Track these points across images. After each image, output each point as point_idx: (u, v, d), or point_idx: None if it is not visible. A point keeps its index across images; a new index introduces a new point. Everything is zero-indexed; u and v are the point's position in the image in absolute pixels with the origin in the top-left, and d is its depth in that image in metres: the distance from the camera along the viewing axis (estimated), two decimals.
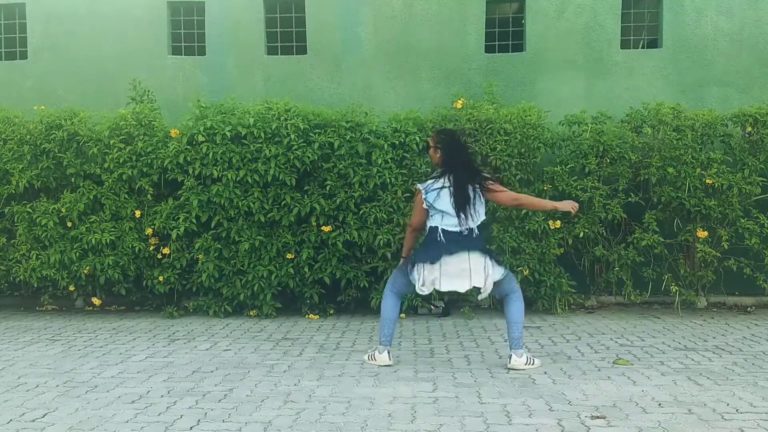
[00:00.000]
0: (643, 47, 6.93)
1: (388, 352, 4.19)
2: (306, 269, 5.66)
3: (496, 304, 6.04)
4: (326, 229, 5.62)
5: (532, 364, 4.09)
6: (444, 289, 4.07)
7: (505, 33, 7.01)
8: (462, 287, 4.06)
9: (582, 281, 6.12)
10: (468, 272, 4.03)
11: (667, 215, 5.91)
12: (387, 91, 6.81)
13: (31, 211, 5.87)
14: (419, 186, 4.24)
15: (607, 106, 6.24)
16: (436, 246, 4.05)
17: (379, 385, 3.74)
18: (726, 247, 5.77)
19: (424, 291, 4.08)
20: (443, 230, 4.06)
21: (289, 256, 5.66)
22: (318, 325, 5.47)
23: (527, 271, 5.70)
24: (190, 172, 5.67)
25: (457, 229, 4.06)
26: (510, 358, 4.10)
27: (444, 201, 4.07)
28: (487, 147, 5.71)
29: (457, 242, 4.05)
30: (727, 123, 6.00)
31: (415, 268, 4.08)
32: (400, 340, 4.91)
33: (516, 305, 4.14)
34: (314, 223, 5.66)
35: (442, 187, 4.10)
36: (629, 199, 5.89)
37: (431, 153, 4.33)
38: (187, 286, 5.89)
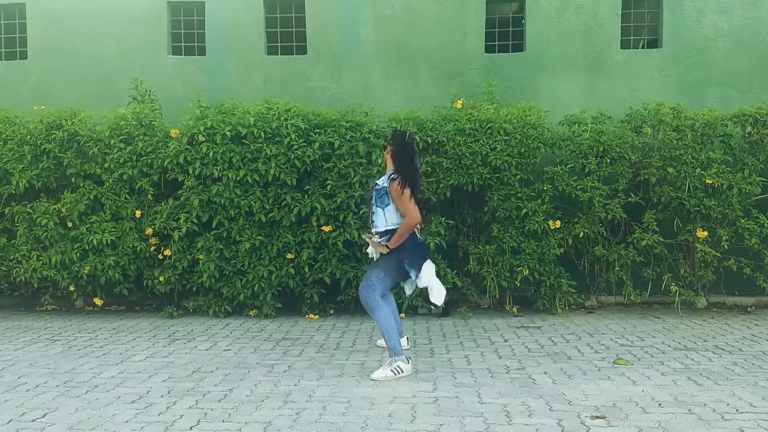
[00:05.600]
0: (643, 47, 6.94)
1: (408, 359, 4.06)
2: (306, 269, 5.66)
3: (495, 304, 6.05)
4: (326, 229, 5.63)
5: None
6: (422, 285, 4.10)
7: (505, 33, 7.01)
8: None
9: (582, 281, 6.12)
10: None
11: (667, 215, 5.91)
12: (387, 91, 6.81)
13: (31, 211, 5.88)
14: (402, 180, 3.94)
15: (607, 106, 6.24)
16: (422, 244, 4.17)
17: (379, 385, 3.74)
18: (726, 247, 5.78)
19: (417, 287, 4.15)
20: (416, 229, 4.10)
21: (289, 256, 5.66)
22: (318, 325, 5.47)
23: (527, 271, 5.70)
24: (191, 172, 5.67)
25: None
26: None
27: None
28: (487, 147, 5.71)
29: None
30: (727, 123, 6.01)
31: (418, 270, 4.00)
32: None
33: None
34: (314, 223, 5.66)
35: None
36: (629, 199, 5.89)
37: (391, 156, 4.12)
38: (187, 286, 5.89)
